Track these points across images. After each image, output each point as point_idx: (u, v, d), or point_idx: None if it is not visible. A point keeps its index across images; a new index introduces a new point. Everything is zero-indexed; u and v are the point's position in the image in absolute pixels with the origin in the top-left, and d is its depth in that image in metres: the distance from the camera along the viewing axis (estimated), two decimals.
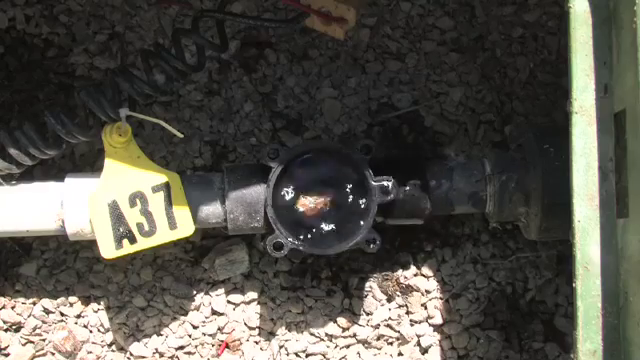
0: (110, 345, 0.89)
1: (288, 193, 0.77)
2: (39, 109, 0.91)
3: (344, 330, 0.88)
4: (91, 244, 0.83)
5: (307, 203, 0.77)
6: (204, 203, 0.79)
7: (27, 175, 0.83)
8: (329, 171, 0.78)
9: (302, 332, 0.88)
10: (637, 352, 0.55)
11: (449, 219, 0.89)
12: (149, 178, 0.78)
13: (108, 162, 0.78)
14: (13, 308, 0.89)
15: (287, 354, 0.88)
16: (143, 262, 0.89)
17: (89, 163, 0.91)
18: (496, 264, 0.89)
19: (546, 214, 0.75)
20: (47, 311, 0.89)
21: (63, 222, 0.78)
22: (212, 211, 0.79)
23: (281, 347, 0.88)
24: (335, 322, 0.88)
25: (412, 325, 0.89)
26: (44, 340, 0.89)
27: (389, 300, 0.89)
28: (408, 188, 0.79)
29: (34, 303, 0.89)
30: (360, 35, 0.93)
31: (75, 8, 0.94)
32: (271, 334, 0.88)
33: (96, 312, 0.89)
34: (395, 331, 0.88)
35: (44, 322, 0.89)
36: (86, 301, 0.89)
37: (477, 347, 0.88)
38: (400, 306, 0.89)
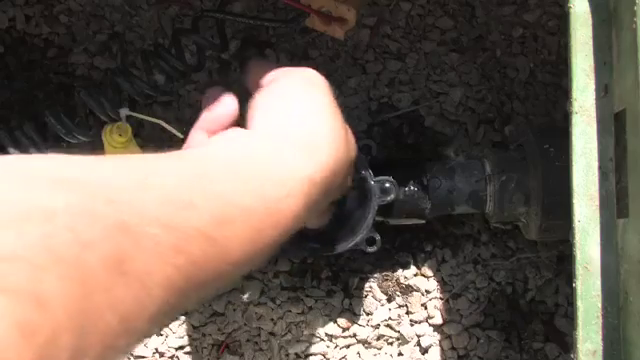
0: None
1: None
2: (39, 109, 0.91)
3: (344, 330, 0.88)
4: None
5: None
6: None
7: None
8: None
9: (302, 332, 0.88)
10: (637, 352, 0.55)
11: (449, 219, 0.89)
12: None
13: None
14: None
15: (287, 354, 0.88)
16: None
17: None
18: (496, 264, 0.89)
19: (546, 214, 0.75)
20: None
21: None
22: None
23: (281, 347, 0.88)
24: (335, 322, 0.88)
25: (412, 325, 0.89)
26: None
27: (389, 300, 0.89)
28: (408, 188, 0.79)
29: None
30: (360, 35, 0.93)
31: (75, 8, 0.94)
32: (271, 334, 0.88)
33: None
34: (395, 331, 0.88)
35: None
36: None
37: (477, 347, 0.88)
38: (400, 306, 0.89)
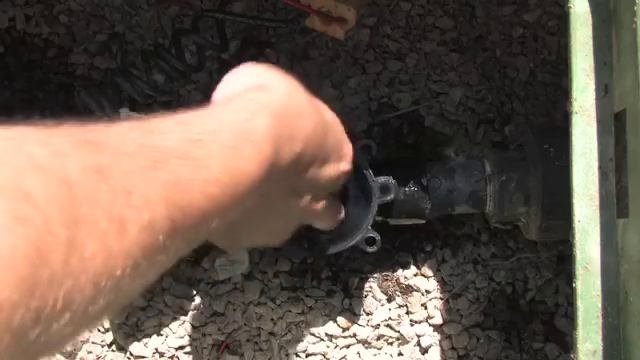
0: (110, 345, 0.89)
1: None
2: (39, 109, 0.91)
3: (344, 330, 0.88)
4: None
5: None
6: None
7: None
8: None
9: (302, 332, 0.88)
10: (637, 352, 0.55)
11: (449, 219, 0.89)
12: None
13: None
14: None
15: (287, 354, 0.88)
16: None
17: None
18: (496, 264, 0.89)
19: (546, 214, 0.75)
20: None
21: None
22: None
23: (281, 347, 0.88)
24: (335, 322, 0.88)
25: (412, 325, 0.88)
26: None
27: (389, 300, 0.89)
28: (408, 188, 0.79)
29: None
30: (360, 35, 0.93)
31: (75, 8, 0.94)
32: (271, 334, 0.88)
33: None
34: (395, 331, 0.88)
35: None
36: None
37: (477, 347, 0.88)
38: (400, 306, 0.89)
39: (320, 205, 0.61)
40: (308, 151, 0.51)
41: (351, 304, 0.89)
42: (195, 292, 0.89)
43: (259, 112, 0.44)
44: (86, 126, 0.34)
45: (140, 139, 0.35)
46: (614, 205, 0.58)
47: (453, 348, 0.88)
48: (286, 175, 0.49)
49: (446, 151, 0.91)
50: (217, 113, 0.43)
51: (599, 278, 0.58)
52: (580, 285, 0.58)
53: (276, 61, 0.93)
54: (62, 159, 0.30)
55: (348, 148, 0.61)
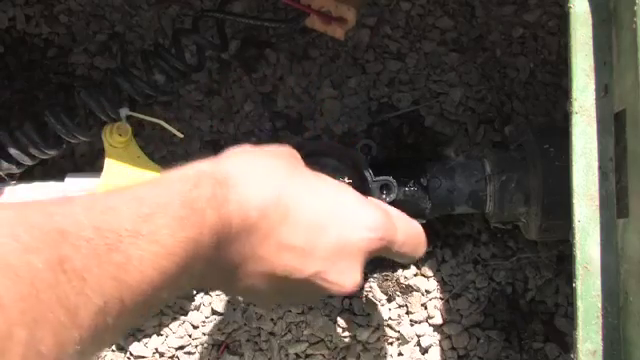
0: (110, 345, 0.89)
1: None
2: (39, 109, 0.91)
3: (344, 330, 0.88)
4: None
5: None
6: None
7: (27, 175, 0.83)
8: (329, 171, 0.78)
9: (302, 332, 0.88)
10: (637, 352, 0.55)
11: (449, 219, 0.89)
12: (149, 178, 0.78)
13: (108, 162, 0.78)
14: None
15: (287, 354, 0.88)
16: None
17: (89, 163, 0.91)
18: (496, 264, 0.89)
19: (546, 214, 0.75)
20: None
21: None
22: None
23: (281, 347, 0.88)
24: (335, 322, 0.88)
25: (412, 325, 0.88)
26: None
27: (389, 300, 0.89)
28: (408, 188, 0.79)
29: None
30: (360, 35, 0.93)
31: (75, 8, 0.94)
32: (271, 334, 0.88)
33: None
34: (395, 331, 0.88)
35: None
36: None
37: (477, 347, 0.88)
38: (400, 306, 0.89)
39: (334, 283, 0.55)
40: (264, 222, 0.50)
41: (351, 304, 0.89)
42: (195, 292, 0.89)
43: (201, 181, 0.46)
44: (51, 211, 0.37)
45: (97, 221, 0.38)
46: (614, 205, 0.58)
47: (453, 348, 0.88)
48: (239, 241, 0.49)
49: (446, 151, 0.91)
50: (167, 184, 0.45)
51: (599, 278, 0.58)
52: (580, 285, 0.58)
53: (276, 61, 0.93)
54: (29, 256, 0.33)
55: (343, 276, 0.55)
